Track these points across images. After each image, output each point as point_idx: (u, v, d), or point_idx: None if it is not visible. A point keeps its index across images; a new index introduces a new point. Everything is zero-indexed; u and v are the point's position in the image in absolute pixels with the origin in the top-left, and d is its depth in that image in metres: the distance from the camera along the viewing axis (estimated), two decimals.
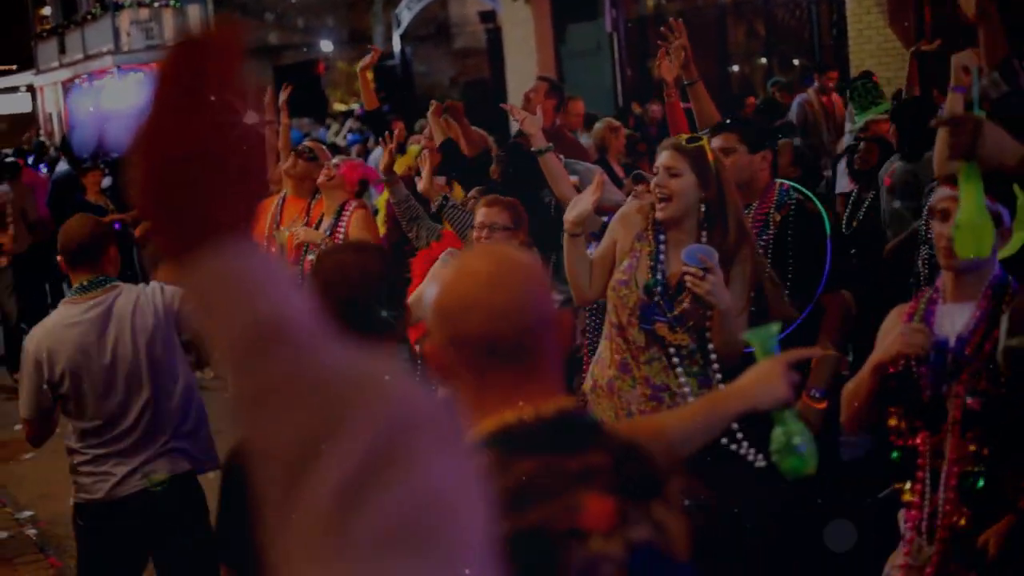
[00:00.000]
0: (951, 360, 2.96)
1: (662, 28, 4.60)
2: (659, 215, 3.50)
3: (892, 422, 3.04)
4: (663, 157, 3.52)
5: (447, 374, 1.65)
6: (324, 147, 6.10)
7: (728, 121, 4.35)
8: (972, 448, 2.92)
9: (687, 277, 3.30)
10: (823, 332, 3.92)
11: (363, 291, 2.36)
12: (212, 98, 0.80)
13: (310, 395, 0.76)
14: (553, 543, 1.38)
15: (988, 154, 2.63)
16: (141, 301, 3.65)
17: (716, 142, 3.93)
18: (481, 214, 4.17)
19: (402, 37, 17.86)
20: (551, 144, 4.49)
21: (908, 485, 3.06)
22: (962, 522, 2.91)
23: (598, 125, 7.27)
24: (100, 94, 24.71)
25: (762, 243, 3.82)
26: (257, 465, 0.76)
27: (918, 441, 2.99)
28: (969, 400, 2.92)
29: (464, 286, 1.63)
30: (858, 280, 4.84)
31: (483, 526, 0.76)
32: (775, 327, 2.30)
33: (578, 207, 3.49)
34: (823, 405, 3.83)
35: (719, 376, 3.51)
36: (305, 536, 0.71)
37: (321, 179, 5.02)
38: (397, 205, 4.95)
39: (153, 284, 3.77)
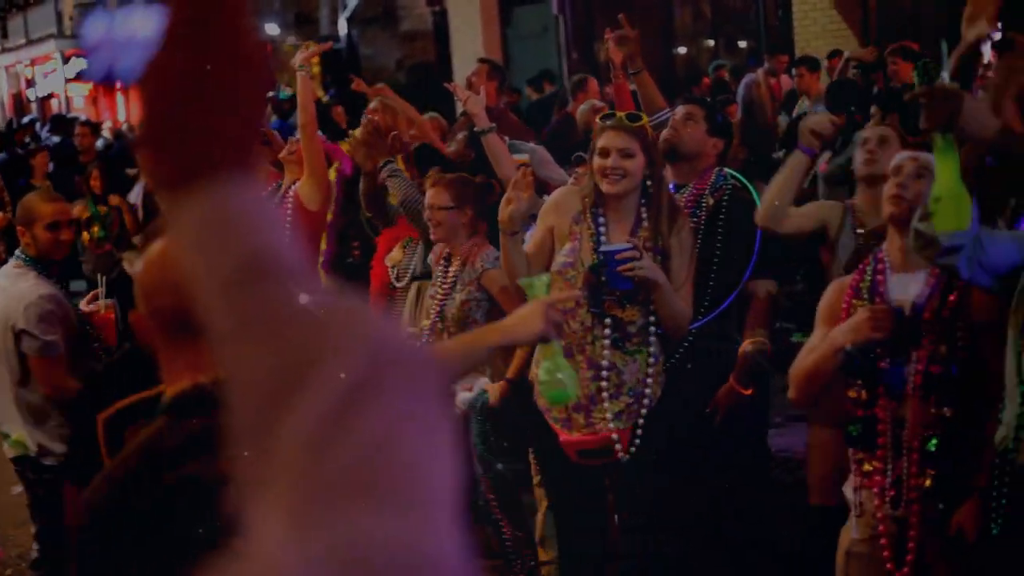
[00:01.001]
0: (909, 327, 3.01)
1: (613, 27, 4.62)
2: (609, 189, 3.54)
3: (852, 393, 3.08)
4: (613, 138, 3.53)
5: (151, 343, 1.82)
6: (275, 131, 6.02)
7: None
8: (933, 411, 2.97)
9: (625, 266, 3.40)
10: (749, 320, 4.01)
11: None
12: (222, 20, 0.81)
13: (293, 326, 0.77)
14: (208, 489, 1.44)
15: (967, 126, 2.63)
16: None
17: (681, 109, 4.09)
18: (427, 195, 4.22)
19: (348, 20, 17.71)
20: (494, 124, 4.52)
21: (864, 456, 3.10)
22: (927, 483, 2.96)
23: (583, 108, 7.19)
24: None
25: (692, 224, 3.84)
26: (234, 397, 0.76)
27: (878, 410, 3.04)
28: (931, 366, 2.97)
29: (158, 264, 1.80)
30: (787, 269, 4.94)
31: (447, 462, 0.76)
32: (546, 277, 2.72)
33: (511, 207, 3.48)
34: (749, 392, 3.92)
35: (660, 349, 3.56)
36: (288, 462, 0.72)
37: (283, 154, 5.01)
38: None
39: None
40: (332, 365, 0.73)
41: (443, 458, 0.76)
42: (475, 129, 4.55)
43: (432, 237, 4.28)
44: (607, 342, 3.52)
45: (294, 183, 4.95)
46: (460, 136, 5.33)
